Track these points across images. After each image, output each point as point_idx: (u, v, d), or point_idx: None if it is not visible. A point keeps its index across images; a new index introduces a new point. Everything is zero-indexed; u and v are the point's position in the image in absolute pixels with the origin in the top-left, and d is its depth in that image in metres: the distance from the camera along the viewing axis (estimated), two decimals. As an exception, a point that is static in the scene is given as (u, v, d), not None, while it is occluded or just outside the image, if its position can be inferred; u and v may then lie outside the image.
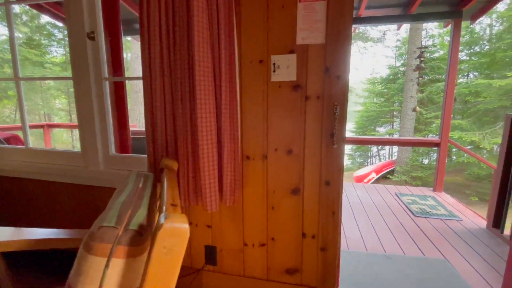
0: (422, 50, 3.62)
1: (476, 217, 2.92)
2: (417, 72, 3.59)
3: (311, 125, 1.35)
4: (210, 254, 1.58)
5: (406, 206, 3.21)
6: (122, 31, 1.65)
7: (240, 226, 1.52)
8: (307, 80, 1.31)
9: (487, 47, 8.77)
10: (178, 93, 1.24)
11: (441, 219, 2.88)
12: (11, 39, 1.69)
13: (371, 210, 3.12)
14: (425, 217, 2.91)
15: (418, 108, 3.52)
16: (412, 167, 8.43)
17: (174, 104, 1.27)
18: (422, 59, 3.59)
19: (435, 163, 3.70)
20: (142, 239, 0.72)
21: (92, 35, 1.48)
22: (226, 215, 1.52)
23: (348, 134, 16.44)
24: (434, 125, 9.20)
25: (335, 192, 1.38)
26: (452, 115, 9.61)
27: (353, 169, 14.11)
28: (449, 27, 3.43)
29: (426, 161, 9.33)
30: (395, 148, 14.25)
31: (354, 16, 3.59)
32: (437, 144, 3.61)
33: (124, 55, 1.83)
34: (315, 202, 1.40)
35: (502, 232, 2.49)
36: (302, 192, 1.41)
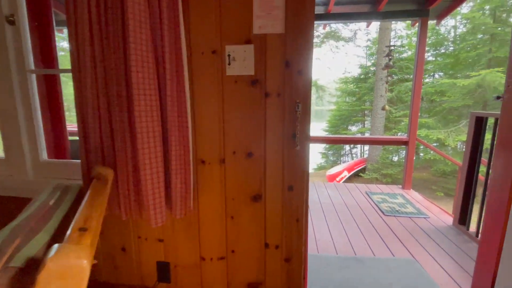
0: (391, 48, 3.66)
1: (443, 214, 2.97)
2: (386, 71, 3.61)
3: (272, 125, 1.21)
4: (163, 270, 1.40)
5: (376, 205, 3.21)
6: (53, 16, 1.40)
7: (196, 238, 1.35)
8: (266, 74, 1.17)
9: (451, 48, 9.26)
10: (113, 87, 1.05)
11: (409, 217, 2.90)
12: None
13: (342, 210, 3.08)
14: (394, 216, 2.92)
15: (387, 107, 3.54)
16: (382, 165, 8.70)
17: (110, 100, 1.07)
18: (390, 57, 3.62)
19: (404, 160, 3.76)
20: (29, 279, 0.53)
21: (12, 18, 1.23)
22: (180, 227, 1.35)
23: (322, 133, 16.77)
24: (403, 123, 9.57)
25: (299, 198, 1.25)
26: (419, 114, 10.07)
27: (326, 167, 14.38)
28: (416, 26, 3.49)
29: (395, 158, 9.69)
30: (367, 147, 14.74)
31: (323, 12, 3.55)
32: (405, 143, 3.66)
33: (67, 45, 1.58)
34: (278, 209, 1.27)
35: (468, 229, 2.54)
36: (264, 198, 1.27)
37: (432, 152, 8.24)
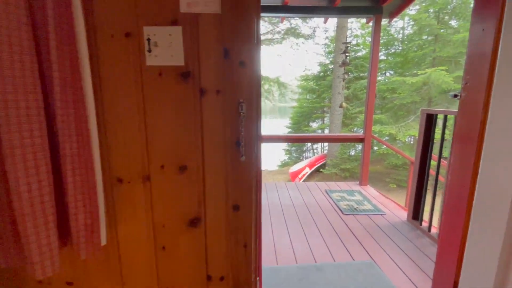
0: (347, 46, 3.63)
1: (397, 210, 3.02)
2: (343, 68, 3.57)
3: (210, 131, 0.96)
4: (76, 321, 1.08)
5: (335, 203, 3.17)
6: None
7: (117, 277, 1.05)
8: (200, 66, 0.92)
9: (400, 48, 9.87)
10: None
11: (367, 214, 2.88)
12: None
13: (303, 212, 2.97)
14: (353, 215, 2.88)
15: (344, 104, 3.53)
16: (341, 160, 8.99)
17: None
18: (347, 54, 3.60)
19: (360, 154, 3.80)
20: None
21: None
22: (95, 265, 1.04)
23: (285, 130, 16.97)
24: (358, 119, 10.00)
25: (246, 219, 1.03)
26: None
27: (290, 164, 14.60)
28: (371, 25, 3.50)
29: (352, 153, 10.12)
30: (327, 143, 15.28)
31: (280, 4, 3.38)
32: (361, 140, 3.68)
33: None
34: (222, 233, 1.03)
35: (420, 224, 2.58)
36: (204, 222, 1.02)
37: (384, 146, 8.74)
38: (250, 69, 0.93)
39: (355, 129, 12.52)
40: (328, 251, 2.21)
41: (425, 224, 2.57)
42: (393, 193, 7.69)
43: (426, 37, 8.02)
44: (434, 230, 2.43)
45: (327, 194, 3.50)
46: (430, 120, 2.49)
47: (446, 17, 7.71)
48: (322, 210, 3.03)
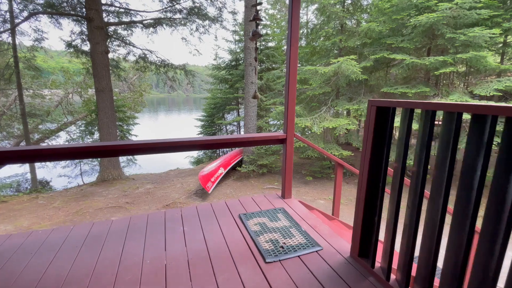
0: (258, 10, 2.58)
1: (337, 240, 2.17)
2: (255, 46, 2.47)
3: None
4: None
5: (253, 240, 2.11)
6: None
7: None
8: None
9: (304, 42, 9.68)
10: None
11: (298, 256, 1.93)
12: None
13: (202, 268, 1.78)
14: (279, 261, 1.88)
15: (258, 95, 2.48)
16: (258, 155, 8.28)
17: None
18: (258, 22, 2.57)
19: (281, 157, 2.88)
20: None
21: None
22: None
23: (197, 123, 15.43)
24: (273, 111, 9.46)
25: None
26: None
27: (204, 160, 13.25)
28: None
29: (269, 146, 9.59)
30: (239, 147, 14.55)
31: None
32: (282, 141, 2.74)
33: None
34: None
35: (373, 266, 1.76)
36: None
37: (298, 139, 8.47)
38: None
39: (270, 120, 12.14)
40: None
41: (378, 264, 1.77)
42: (311, 186, 7.48)
43: (333, 27, 7.95)
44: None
45: (242, 222, 2.41)
46: (383, 116, 1.65)
47: (351, 8, 7.80)
48: (233, 258, 1.91)
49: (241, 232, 2.25)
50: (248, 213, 2.57)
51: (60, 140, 13.52)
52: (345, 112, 7.27)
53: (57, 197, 7.20)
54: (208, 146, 2.60)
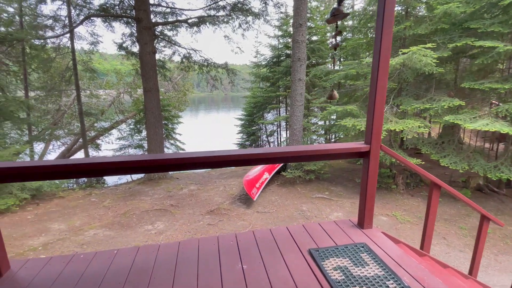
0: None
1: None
2: (336, 25, 1.88)
3: None
4: None
5: (337, 295, 1.56)
6: None
7: None
8: None
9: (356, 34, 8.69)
10: None
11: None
12: None
13: None
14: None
15: (336, 94, 1.93)
16: (305, 159, 7.62)
17: None
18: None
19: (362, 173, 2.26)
20: None
21: None
22: None
23: (237, 122, 15.19)
24: (316, 110, 8.69)
25: None
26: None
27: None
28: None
29: (315, 149, 8.88)
30: (285, 134, 13.94)
31: None
32: (364, 154, 2.13)
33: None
34: None
35: None
36: None
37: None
38: None
39: (312, 120, 11.32)
40: None
41: None
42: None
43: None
44: None
45: (315, 262, 1.87)
46: None
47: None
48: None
49: (316, 278, 1.72)
50: (320, 248, 2.02)
51: (113, 137, 14.31)
52: (409, 112, 6.26)
53: (107, 194, 7.41)
54: (271, 160, 2.11)
